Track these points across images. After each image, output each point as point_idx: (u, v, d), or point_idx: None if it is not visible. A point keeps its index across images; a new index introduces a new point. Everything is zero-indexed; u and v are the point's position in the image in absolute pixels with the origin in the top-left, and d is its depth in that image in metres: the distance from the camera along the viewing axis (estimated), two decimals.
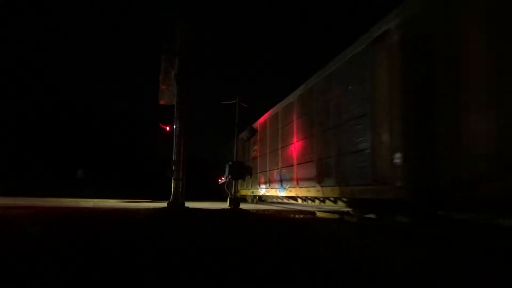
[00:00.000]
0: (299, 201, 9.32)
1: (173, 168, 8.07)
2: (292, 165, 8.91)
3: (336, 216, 6.81)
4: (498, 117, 3.51)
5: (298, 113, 8.81)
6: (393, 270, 2.51)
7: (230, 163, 9.36)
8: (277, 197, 10.84)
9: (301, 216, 7.17)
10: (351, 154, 6.11)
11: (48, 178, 19.04)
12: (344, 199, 6.90)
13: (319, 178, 7.38)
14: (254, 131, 10.26)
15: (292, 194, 9.09)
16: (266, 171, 11.17)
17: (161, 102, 9.41)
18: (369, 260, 2.83)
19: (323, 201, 7.88)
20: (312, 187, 7.72)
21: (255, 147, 12.69)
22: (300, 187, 8.45)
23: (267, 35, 48.79)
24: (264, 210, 8.69)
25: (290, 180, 9.07)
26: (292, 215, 7.28)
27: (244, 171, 9.51)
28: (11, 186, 15.69)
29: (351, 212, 6.81)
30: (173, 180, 8.06)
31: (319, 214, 7.47)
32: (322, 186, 7.27)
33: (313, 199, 8.31)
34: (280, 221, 6.26)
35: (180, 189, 8.04)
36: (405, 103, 4.83)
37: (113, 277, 2.14)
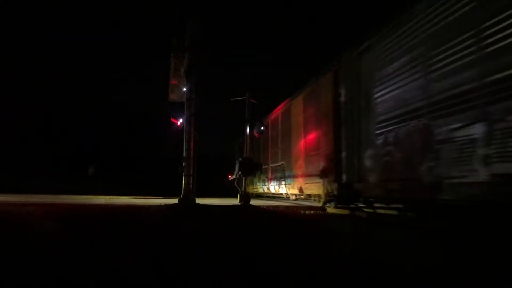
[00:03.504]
0: None
1: (183, 164, 8.11)
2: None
3: (347, 212, 6.79)
4: None
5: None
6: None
7: (240, 159, 9.36)
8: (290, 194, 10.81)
9: (312, 212, 7.16)
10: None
11: (59, 175, 19.26)
12: None
13: None
14: (263, 127, 10.23)
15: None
16: (277, 166, 11.16)
17: (171, 99, 9.45)
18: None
19: None
20: None
21: (265, 143, 12.68)
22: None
23: (277, 27, 48.29)
24: (274, 206, 8.70)
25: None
26: (302, 211, 7.27)
27: (254, 167, 9.49)
28: (22, 183, 15.93)
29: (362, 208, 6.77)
30: (183, 176, 8.09)
31: (329, 210, 7.45)
32: None
33: None
34: (294, 217, 6.27)
35: (191, 185, 8.07)
36: None
37: None
